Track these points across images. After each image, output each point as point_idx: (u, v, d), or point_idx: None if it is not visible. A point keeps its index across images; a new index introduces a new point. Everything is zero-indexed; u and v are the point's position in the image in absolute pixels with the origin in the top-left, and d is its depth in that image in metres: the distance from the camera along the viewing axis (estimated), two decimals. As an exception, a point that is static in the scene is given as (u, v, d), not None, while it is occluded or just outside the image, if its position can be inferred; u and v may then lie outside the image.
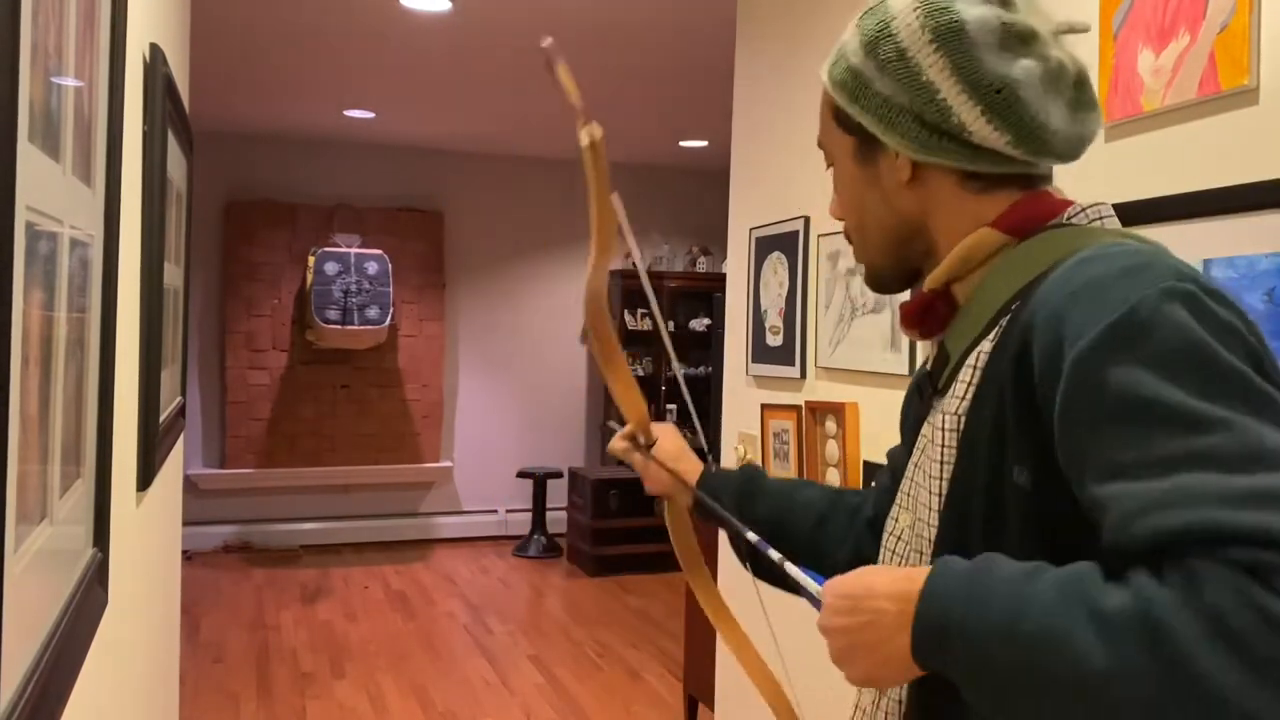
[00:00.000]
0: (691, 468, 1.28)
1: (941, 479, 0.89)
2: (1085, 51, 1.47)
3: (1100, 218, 0.92)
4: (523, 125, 5.98)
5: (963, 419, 0.88)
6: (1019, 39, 0.89)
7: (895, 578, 0.80)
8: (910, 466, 0.99)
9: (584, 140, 1.08)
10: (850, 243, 1.05)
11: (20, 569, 0.78)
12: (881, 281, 1.04)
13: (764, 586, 1.14)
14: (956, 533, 0.87)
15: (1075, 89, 0.92)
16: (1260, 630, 0.60)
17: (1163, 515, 0.65)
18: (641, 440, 1.29)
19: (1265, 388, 0.70)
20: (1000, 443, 0.83)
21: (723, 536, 3.11)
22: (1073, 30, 0.95)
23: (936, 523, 0.89)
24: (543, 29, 4.14)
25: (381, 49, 4.40)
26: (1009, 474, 0.81)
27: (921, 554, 0.91)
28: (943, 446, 0.90)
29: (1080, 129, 0.93)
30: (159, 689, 2.22)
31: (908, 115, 0.92)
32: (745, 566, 1.14)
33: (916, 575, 0.78)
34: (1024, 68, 0.89)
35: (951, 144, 0.91)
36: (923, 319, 0.98)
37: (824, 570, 0.93)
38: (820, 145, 1.05)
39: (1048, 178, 0.95)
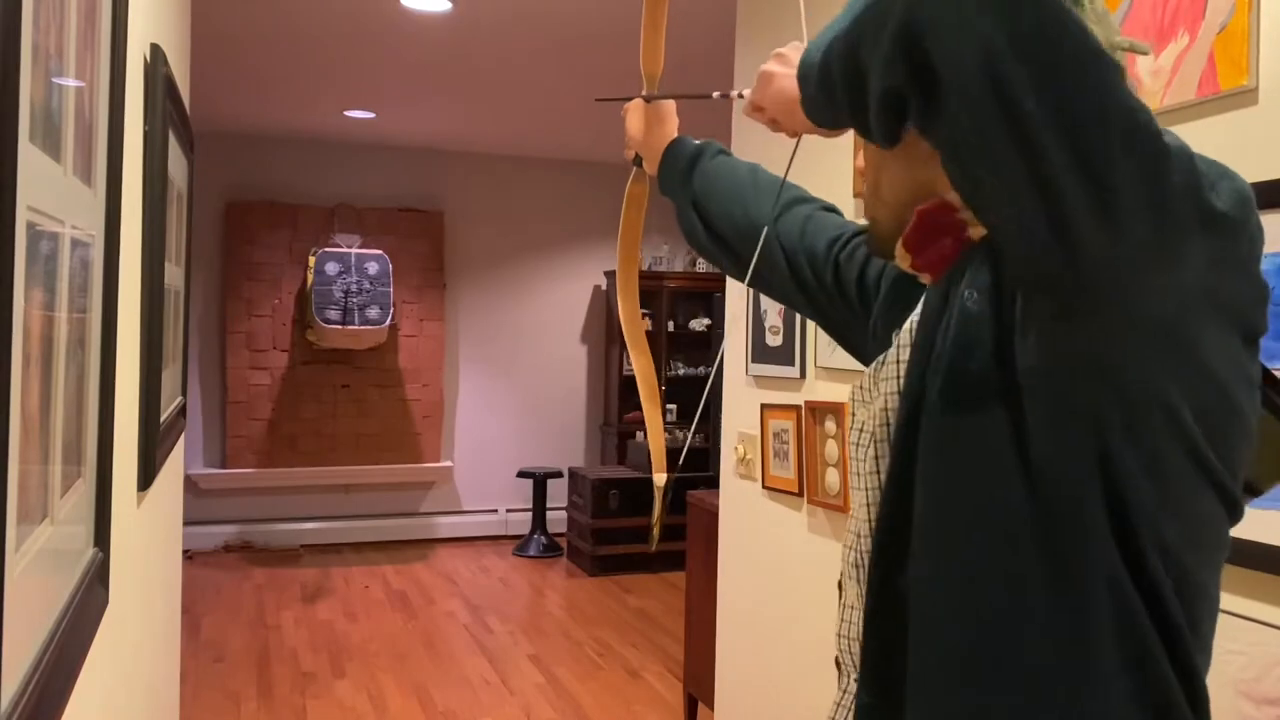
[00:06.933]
0: (670, 130, 1.40)
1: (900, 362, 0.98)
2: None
3: None
4: (523, 125, 5.98)
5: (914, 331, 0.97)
6: None
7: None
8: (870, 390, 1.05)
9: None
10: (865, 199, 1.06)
11: (21, 569, 0.78)
12: (880, 238, 1.04)
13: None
14: (918, 361, 0.93)
15: None
16: None
17: None
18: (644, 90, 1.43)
19: None
20: (964, 271, 0.90)
21: (725, 526, 3.11)
22: (1134, 50, 0.94)
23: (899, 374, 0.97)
24: (543, 29, 4.15)
25: (381, 49, 4.40)
26: (962, 298, 0.89)
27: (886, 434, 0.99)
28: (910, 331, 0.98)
29: None
30: (159, 689, 2.22)
31: None
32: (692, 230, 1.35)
33: None
34: None
35: None
36: (924, 245, 0.97)
37: (749, 221, 1.25)
38: None
39: None
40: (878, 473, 0.99)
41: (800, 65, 0.88)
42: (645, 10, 1.40)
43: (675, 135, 1.40)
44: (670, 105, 1.43)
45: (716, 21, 3.66)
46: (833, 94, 0.83)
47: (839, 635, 1.05)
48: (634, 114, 1.42)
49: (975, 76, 0.68)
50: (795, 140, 1.10)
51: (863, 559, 1.00)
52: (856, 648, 1.01)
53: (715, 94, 1.31)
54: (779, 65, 1.01)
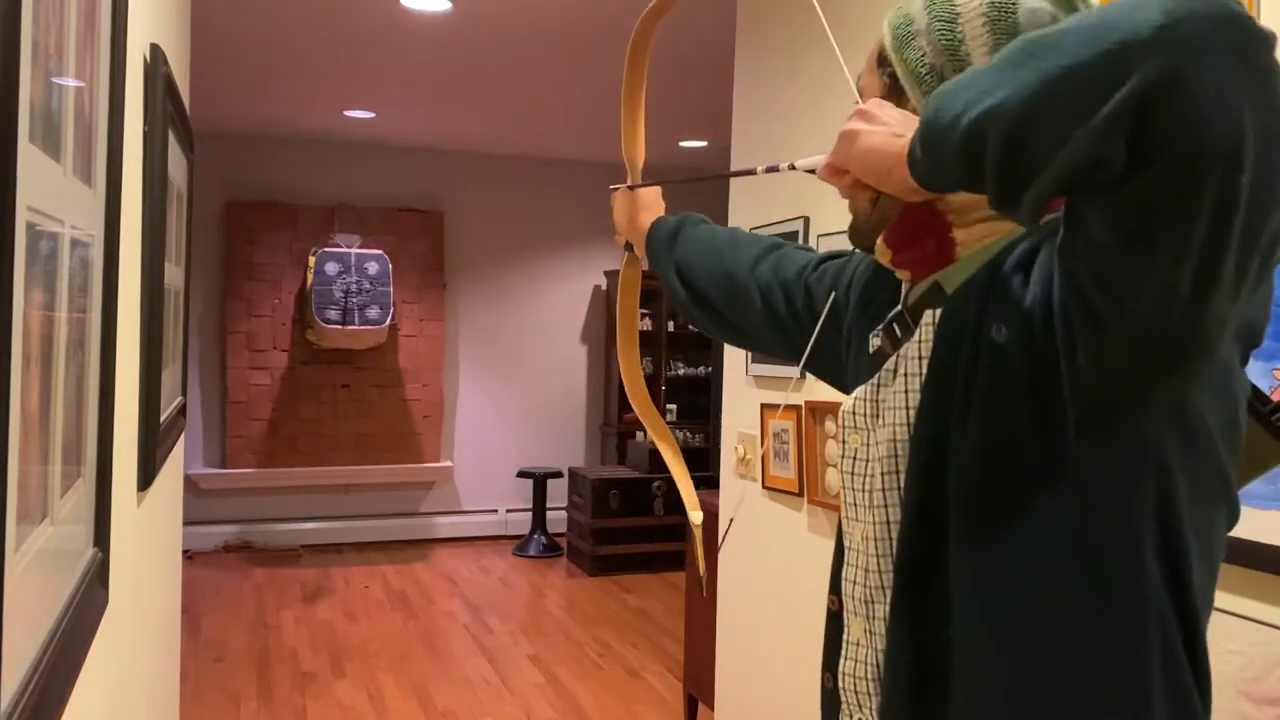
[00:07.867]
0: (656, 214, 1.47)
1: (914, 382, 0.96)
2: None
3: None
4: (523, 125, 5.98)
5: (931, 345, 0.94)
6: None
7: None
8: (862, 403, 1.03)
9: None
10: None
11: (21, 569, 0.78)
12: (859, 229, 1.04)
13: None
14: (935, 402, 0.92)
15: None
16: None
17: None
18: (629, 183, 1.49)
19: None
20: (981, 307, 0.89)
21: (725, 550, 3.11)
22: None
23: (916, 403, 0.95)
24: (543, 29, 4.15)
25: (381, 49, 4.40)
26: (986, 332, 0.87)
27: (896, 456, 0.96)
28: (919, 359, 0.96)
29: None
30: (159, 689, 2.22)
31: (936, 78, 0.93)
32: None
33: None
34: None
35: None
36: (906, 244, 0.98)
37: (730, 274, 1.29)
38: (858, 86, 1.06)
39: None
40: (885, 506, 0.97)
41: (928, 126, 0.80)
42: (624, 102, 1.43)
43: (660, 217, 1.46)
44: (655, 192, 1.48)
45: (717, 22, 3.66)
46: (980, 161, 0.74)
47: (842, 672, 1.03)
48: (620, 204, 1.49)
49: (1217, 147, 0.65)
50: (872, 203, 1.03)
51: (873, 595, 0.99)
52: (866, 685, 0.99)
53: (760, 169, 1.22)
54: (865, 123, 0.93)
